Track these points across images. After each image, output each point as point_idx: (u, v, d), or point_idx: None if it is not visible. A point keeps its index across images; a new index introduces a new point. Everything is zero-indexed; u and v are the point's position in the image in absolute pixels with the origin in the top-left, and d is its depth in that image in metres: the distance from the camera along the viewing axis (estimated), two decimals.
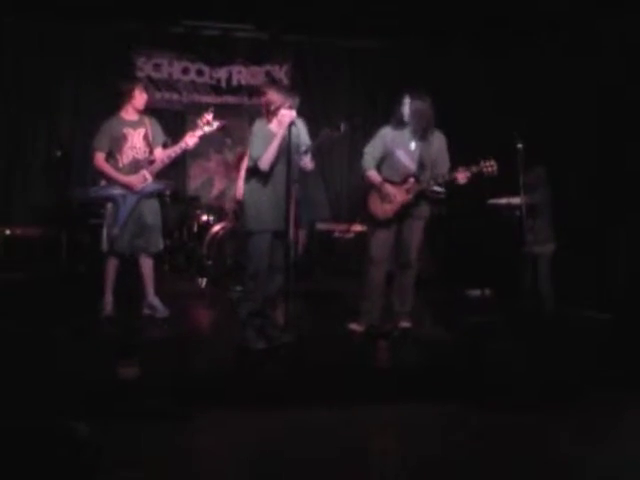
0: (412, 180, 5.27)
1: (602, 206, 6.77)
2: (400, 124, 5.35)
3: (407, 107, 5.29)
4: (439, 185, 5.32)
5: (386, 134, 5.39)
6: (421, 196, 5.32)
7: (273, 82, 5.34)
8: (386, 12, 7.82)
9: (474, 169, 5.13)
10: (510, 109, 7.79)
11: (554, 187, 6.43)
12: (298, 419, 3.73)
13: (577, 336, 5.49)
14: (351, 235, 8.11)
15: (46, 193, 8.30)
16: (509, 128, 5.52)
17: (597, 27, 6.83)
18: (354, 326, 5.44)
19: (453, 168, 5.24)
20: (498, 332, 5.55)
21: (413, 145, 5.33)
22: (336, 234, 8.41)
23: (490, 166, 5.12)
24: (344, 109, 9.14)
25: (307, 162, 4.89)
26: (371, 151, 5.39)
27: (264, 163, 4.71)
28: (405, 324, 5.44)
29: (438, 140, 5.39)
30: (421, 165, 5.32)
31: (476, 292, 7.45)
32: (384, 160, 5.38)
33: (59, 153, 7.23)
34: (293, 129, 4.61)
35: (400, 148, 5.33)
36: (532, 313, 5.97)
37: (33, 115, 8.47)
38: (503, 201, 6.43)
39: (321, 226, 8.59)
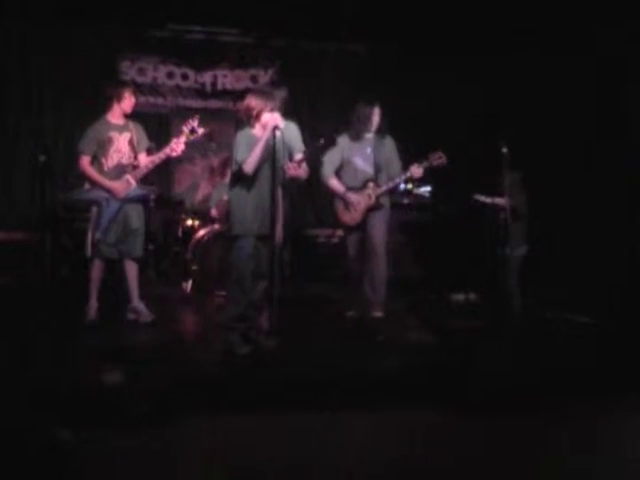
0: (372, 184, 5.60)
1: (586, 210, 6.83)
2: (354, 130, 5.68)
3: (360, 113, 5.63)
4: (397, 186, 5.81)
5: (343, 143, 5.73)
6: (382, 198, 5.64)
7: (256, 87, 5.29)
8: (371, 15, 7.85)
9: (425, 163, 5.52)
10: (493, 112, 7.85)
11: (536, 190, 6.47)
12: (283, 424, 3.72)
13: (559, 339, 5.54)
14: (336, 240, 8.11)
15: (30, 198, 8.25)
16: (494, 132, 5.58)
17: (578, 30, 6.88)
18: (351, 313, 5.81)
19: (407, 166, 5.59)
20: (483, 336, 5.59)
21: (368, 150, 5.66)
22: (321, 239, 8.41)
23: (439, 157, 5.52)
24: (329, 113, 9.16)
25: (302, 169, 4.73)
26: (330, 159, 5.72)
27: (248, 166, 4.69)
28: (378, 313, 5.57)
29: (389, 143, 5.73)
30: (377, 168, 5.64)
31: (460, 296, 7.47)
32: (343, 167, 5.73)
33: (42, 158, 7.17)
34: (278, 133, 4.59)
35: (357, 155, 5.68)
36: (514, 316, 6.01)
37: (16, 119, 8.42)
38: (488, 200, 6.46)
39: (306, 231, 8.59)
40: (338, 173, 5.74)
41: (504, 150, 5.58)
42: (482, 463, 3.36)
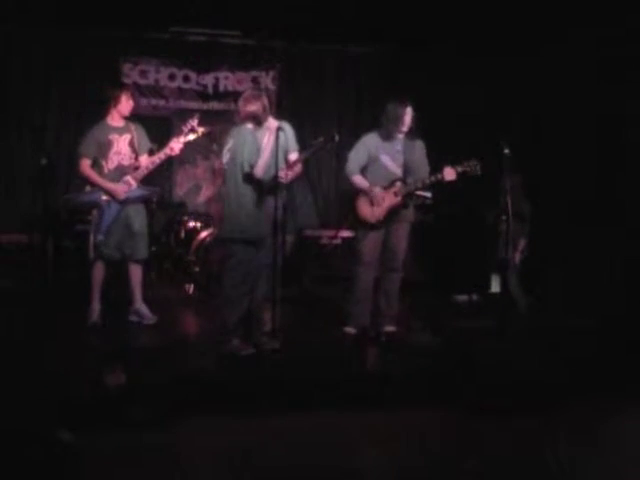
0: (399, 184, 5.32)
1: (588, 215, 6.82)
2: (385, 130, 5.40)
3: (391, 112, 5.34)
4: (426, 187, 5.38)
5: (370, 140, 5.43)
6: (409, 199, 5.38)
7: (262, 90, 5.24)
8: (373, 17, 7.83)
9: (459, 169, 5.19)
10: (496, 115, 7.83)
11: (539, 194, 6.48)
12: (286, 426, 3.71)
13: (561, 341, 5.54)
14: (338, 241, 8.11)
15: (32, 200, 8.25)
16: (496, 134, 5.55)
17: (585, 34, 6.87)
18: (348, 329, 5.45)
19: (438, 168, 5.28)
20: (486, 337, 5.58)
21: (398, 150, 5.39)
22: (323, 240, 8.40)
23: (473, 166, 5.18)
24: (331, 115, 9.16)
25: (295, 169, 4.80)
26: (355, 157, 5.43)
27: (260, 170, 4.70)
28: (390, 328, 5.45)
29: (419, 146, 5.47)
30: (406, 169, 5.38)
31: (464, 297, 7.46)
32: (369, 166, 5.42)
33: (44, 160, 7.19)
34: (281, 135, 4.60)
35: (385, 153, 5.38)
36: (517, 318, 6.00)
37: (18, 122, 8.42)
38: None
39: (308, 232, 8.58)
40: (363, 171, 5.42)
41: (506, 152, 5.54)
42: (483, 463, 3.35)
